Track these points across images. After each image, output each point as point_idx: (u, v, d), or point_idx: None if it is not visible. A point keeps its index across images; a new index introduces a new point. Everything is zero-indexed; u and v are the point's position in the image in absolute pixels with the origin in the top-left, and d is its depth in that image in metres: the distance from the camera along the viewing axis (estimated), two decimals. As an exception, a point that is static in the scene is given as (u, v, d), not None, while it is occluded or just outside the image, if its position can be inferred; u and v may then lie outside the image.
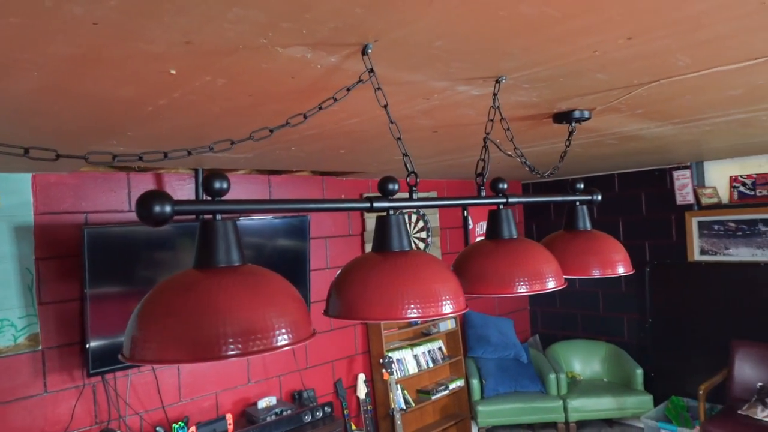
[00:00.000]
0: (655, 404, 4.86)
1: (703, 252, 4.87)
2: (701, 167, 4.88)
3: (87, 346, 2.95)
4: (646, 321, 5.19)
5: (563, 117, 2.19)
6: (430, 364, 4.82)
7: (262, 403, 3.73)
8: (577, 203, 1.92)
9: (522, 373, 5.09)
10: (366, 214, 4.57)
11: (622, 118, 2.40)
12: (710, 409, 4.55)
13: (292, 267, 3.79)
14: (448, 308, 1.18)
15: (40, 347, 2.99)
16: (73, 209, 3.12)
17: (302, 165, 3.59)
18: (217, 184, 1.03)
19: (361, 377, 4.40)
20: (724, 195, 4.80)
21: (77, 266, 3.04)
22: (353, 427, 4.29)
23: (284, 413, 3.65)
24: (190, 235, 3.25)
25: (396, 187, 1.29)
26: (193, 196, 3.54)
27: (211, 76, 1.41)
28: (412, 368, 4.68)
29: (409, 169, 1.36)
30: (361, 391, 4.35)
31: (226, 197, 1.06)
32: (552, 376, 4.94)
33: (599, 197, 1.94)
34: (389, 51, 1.30)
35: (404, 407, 4.50)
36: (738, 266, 4.64)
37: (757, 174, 4.60)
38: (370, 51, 1.26)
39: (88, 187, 3.18)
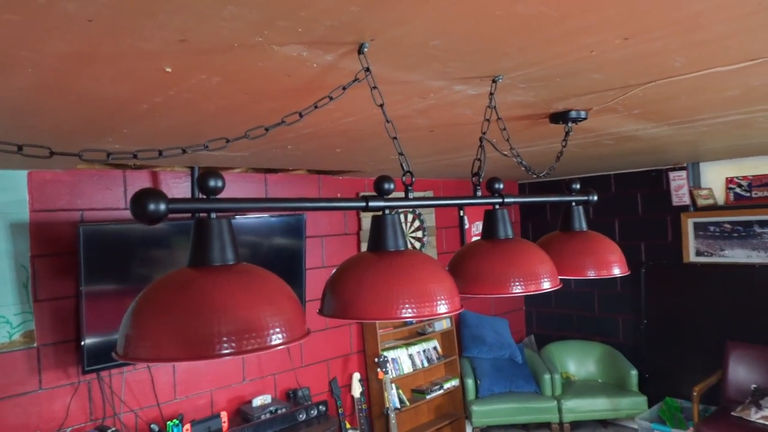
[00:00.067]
0: (650, 405, 4.87)
1: (698, 253, 4.89)
2: (697, 168, 4.90)
3: (82, 343, 2.94)
4: (641, 322, 5.20)
5: (560, 117, 2.19)
6: (425, 364, 4.82)
7: (257, 402, 3.73)
8: (573, 203, 1.92)
9: (517, 373, 5.10)
10: (362, 213, 4.57)
11: (618, 118, 2.41)
12: (704, 410, 4.56)
13: (288, 266, 3.79)
14: (443, 308, 1.18)
15: (35, 344, 2.98)
16: (68, 207, 3.11)
17: (298, 164, 3.59)
18: (212, 183, 1.03)
19: (356, 376, 4.40)
20: (720, 196, 4.81)
21: (73, 264, 3.03)
22: (348, 426, 4.29)
23: (279, 412, 3.65)
24: (186, 234, 3.25)
25: (392, 186, 1.29)
26: (188, 194, 3.54)
27: (207, 74, 1.41)
28: (407, 367, 4.69)
29: (405, 168, 1.36)
30: (356, 390, 4.35)
31: (222, 195, 1.06)
32: (547, 377, 4.94)
33: (595, 198, 1.94)
34: (385, 50, 1.30)
35: (399, 406, 4.50)
36: (733, 267, 4.65)
37: (753, 175, 4.61)
38: (366, 50, 1.26)
39: (83, 184, 3.17)
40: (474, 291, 1.47)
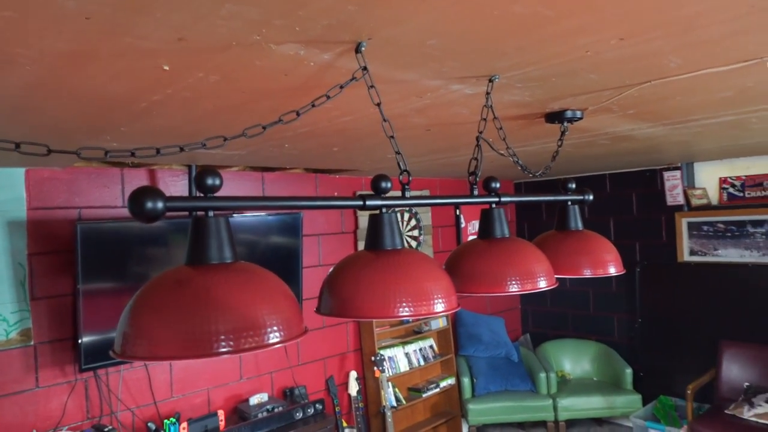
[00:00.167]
0: (644, 403, 4.90)
1: (692, 252, 4.91)
2: (691, 168, 4.92)
3: (79, 341, 2.94)
4: (636, 321, 5.23)
5: (555, 117, 2.20)
6: (422, 362, 4.84)
7: (254, 400, 3.73)
8: (569, 203, 1.93)
9: (512, 371, 5.11)
10: (359, 212, 4.57)
11: (613, 118, 2.42)
12: (698, 408, 4.59)
13: (285, 264, 3.79)
14: (440, 307, 1.18)
15: (32, 342, 2.98)
16: (66, 204, 3.10)
17: (295, 162, 3.59)
18: (209, 181, 1.03)
19: (353, 375, 4.41)
20: (714, 196, 4.84)
21: (70, 262, 3.03)
22: (344, 424, 4.30)
23: (276, 410, 3.65)
24: (183, 232, 3.25)
25: (389, 185, 1.29)
26: (186, 193, 3.53)
27: (204, 72, 1.41)
28: (404, 366, 4.70)
29: (402, 167, 1.36)
30: (353, 388, 4.36)
31: (219, 194, 1.06)
32: (542, 375, 4.96)
33: (591, 197, 1.95)
34: (383, 49, 1.31)
35: (395, 405, 4.51)
36: (727, 267, 4.68)
37: (746, 176, 4.64)
38: (363, 49, 1.26)
39: (81, 182, 3.16)
40: (471, 290, 1.48)
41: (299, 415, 3.74)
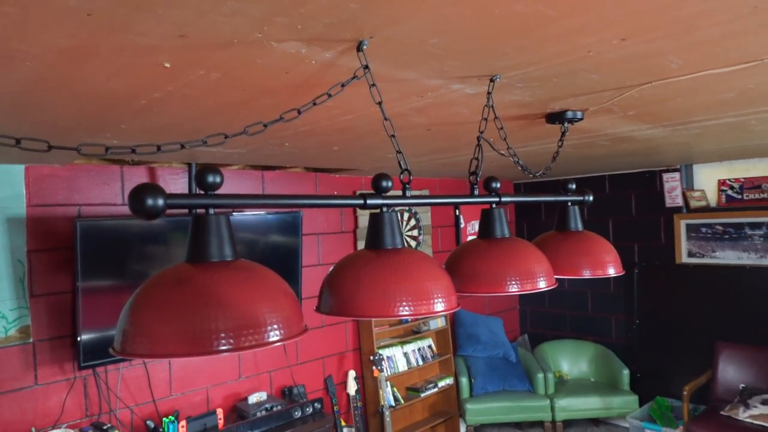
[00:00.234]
0: (641, 404, 4.91)
1: (690, 254, 4.92)
2: (690, 170, 4.92)
3: (78, 339, 2.94)
4: (634, 322, 5.23)
5: (556, 117, 2.20)
6: (420, 362, 4.84)
7: (253, 399, 3.73)
8: (569, 203, 1.93)
9: (510, 372, 5.12)
10: (359, 211, 4.57)
11: (614, 119, 2.42)
12: (694, 409, 4.59)
13: (284, 263, 3.79)
14: (440, 306, 1.18)
15: (31, 339, 2.98)
16: (66, 202, 3.10)
17: (296, 161, 3.59)
18: (210, 178, 1.03)
19: (352, 374, 4.41)
20: (712, 198, 4.84)
21: (69, 259, 3.02)
22: (343, 424, 4.30)
23: (274, 409, 3.65)
24: (183, 230, 3.24)
25: (390, 184, 1.29)
26: (186, 190, 3.53)
27: (206, 70, 1.41)
28: (402, 366, 4.70)
29: (403, 166, 1.36)
30: (351, 387, 4.36)
31: (219, 192, 1.06)
32: (540, 376, 4.97)
33: (591, 198, 1.95)
34: (384, 48, 1.31)
35: (393, 404, 4.51)
36: (724, 269, 4.69)
37: (744, 178, 4.64)
38: (365, 47, 1.26)
39: (81, 179, 3.16)
40: (470, 290, 1.48)
41: (298, 414, 3.74)
